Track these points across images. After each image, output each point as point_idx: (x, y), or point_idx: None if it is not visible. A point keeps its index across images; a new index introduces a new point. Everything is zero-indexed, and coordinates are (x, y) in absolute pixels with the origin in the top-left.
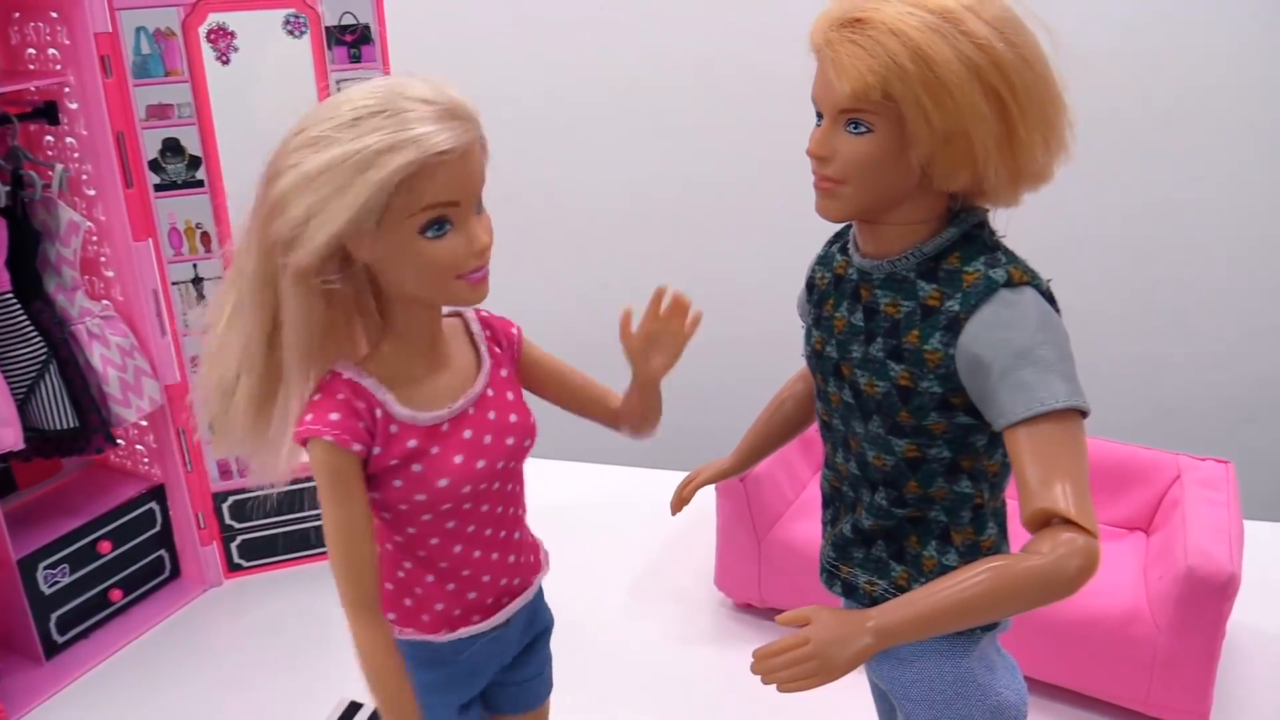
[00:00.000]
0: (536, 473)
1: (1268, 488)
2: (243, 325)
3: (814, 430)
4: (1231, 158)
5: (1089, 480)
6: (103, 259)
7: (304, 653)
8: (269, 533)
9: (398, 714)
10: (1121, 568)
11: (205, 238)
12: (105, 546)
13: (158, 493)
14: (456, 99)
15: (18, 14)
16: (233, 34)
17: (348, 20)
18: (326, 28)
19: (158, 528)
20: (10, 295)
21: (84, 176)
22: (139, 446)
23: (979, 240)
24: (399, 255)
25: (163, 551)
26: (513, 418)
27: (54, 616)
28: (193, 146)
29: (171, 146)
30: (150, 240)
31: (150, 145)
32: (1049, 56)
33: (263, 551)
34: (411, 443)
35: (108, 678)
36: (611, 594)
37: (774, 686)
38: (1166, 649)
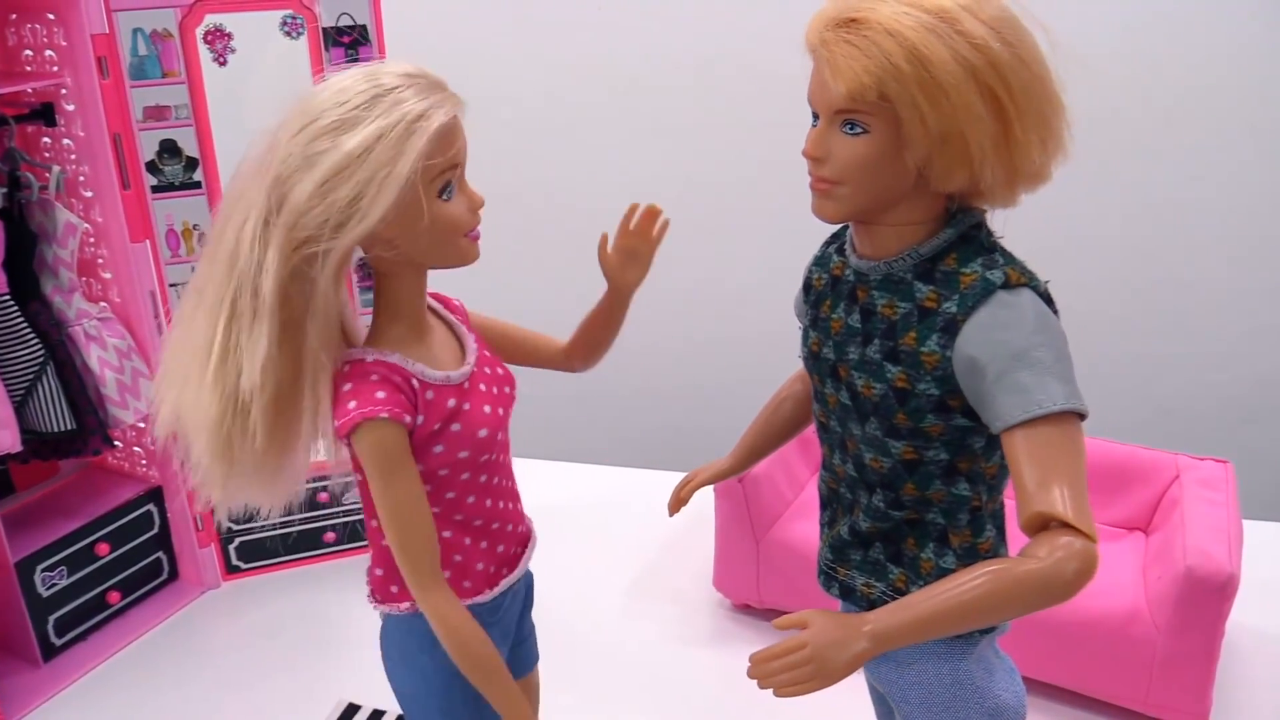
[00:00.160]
0: (535, 473)
1: (1267, 488)
2: (258, 337)
3: (812, 431)
4: (1231, 158)
5: (1087, 483)
6: (100, 261)
7: (302, 654)
8: (267, 534)
9: (488, 673)
10: (1121, 568)
11: (203, 239)
12: (103, 548)
13: (155, 494)
14: (433, 73)
15: (14, 15)
16: (230, 35)
17: (345, 21)
18: (324, 29)
19: (156, 530)
20: (7, 297)
21: (81, 178)
22: (136, 448)
23: (976, 241)
24: (419, 219)
25: (161, 553)
26: (500, 370)
27: (52, 619)
28: (190, 148)
29: (169, 148)
30: (147, 242)
31: (147, 147)
32: (1047, 57)
33: (261, 553)
34: (451, 402)
35: (106, 680)
36: (610, 594)
37: (772, 692)
38: (1166, 649)
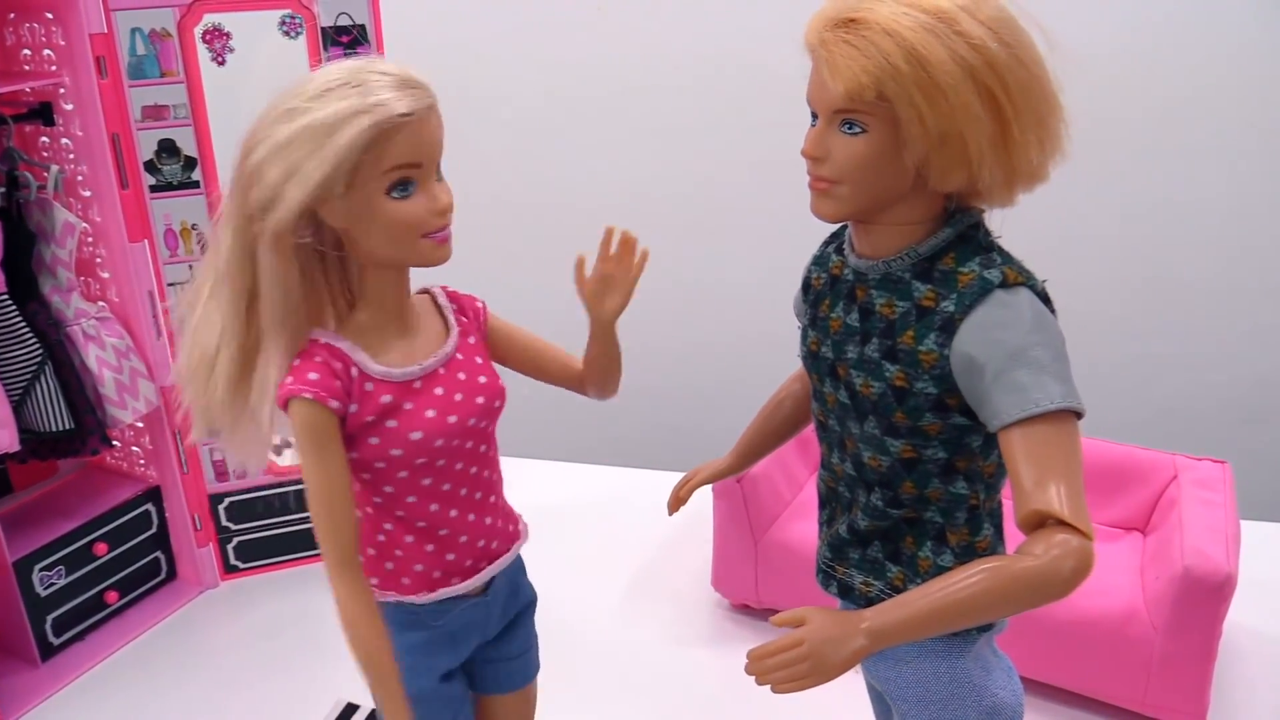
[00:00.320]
0: (534, 473)
1: (1265, 488)
2: (222, 298)
3: (811, 431)
4: (1229, 158)
5: (1083, 482)
6: (98, 260)
7: (301, 654)
8: (265, 534)
9: (375, 670)
10: (1118, 568)
11: (201, 239)
12: (101, 548)
13: (154, 494)
14: (414, 72)
15: (13, 15)
16: (228, 35)
17: (343, 21)
18: (322, 28)
19: (154, 529)
20: (6, 297)
21: (79, 178)
22: (135, 448)
23: (974, 241)
24: (369, 216)
25: (159, 553)
26: (481, 379)
27: (50, 618)
28: (188, 147)
29: (167, 147)
30: (146, 241)
31: (146, 146)
32: (1045, 57)
33: (259, 553)
34: (386, 398)
35: (104, 680)
36: (608, 594)
37: (768, 687)
38: (1163, 649)
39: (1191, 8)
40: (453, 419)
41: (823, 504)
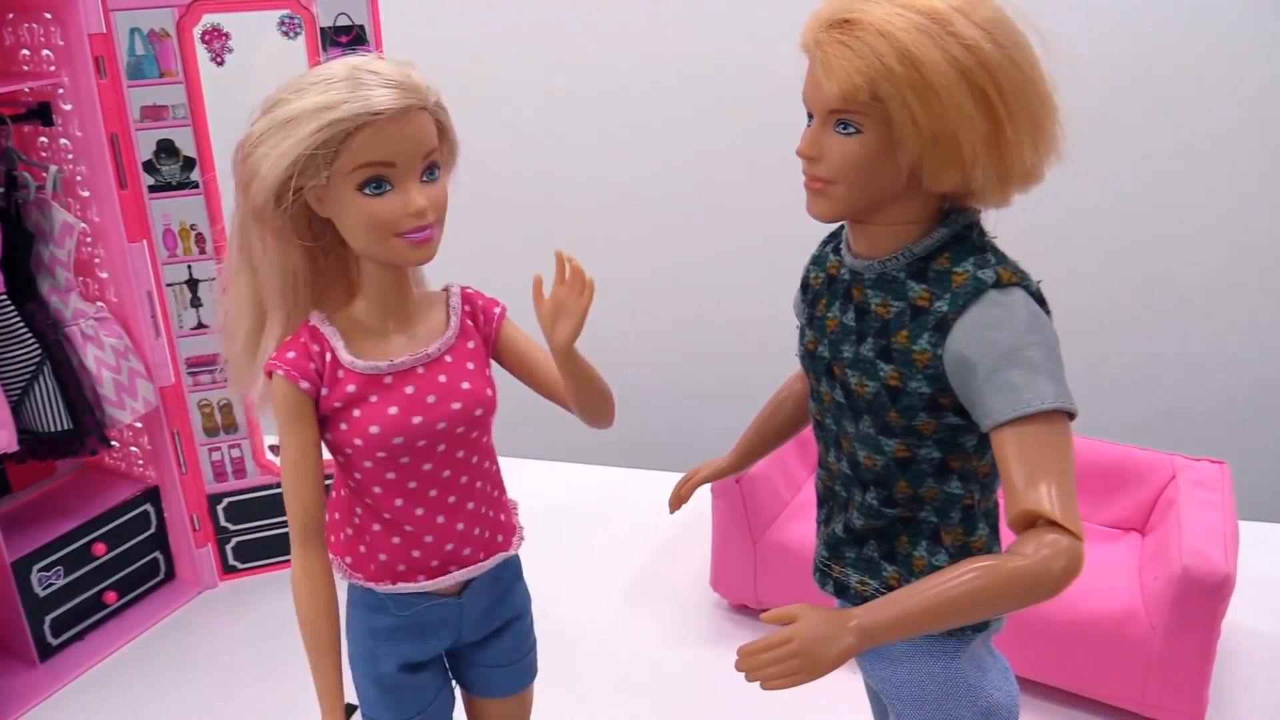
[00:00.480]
0: (534, 473)
1: (1263, 488)
2: (241, 279)
3: (810, 431)
4: (1227, 158)
5: (1075, 482)
6: (97, 260)
7: (299, 655)
8: (264, 534)
9: (308, 641)
10: (1117, 568)
11: (200, 239)
12: (100, 549)
13: (152, 494)
14: (410, 74)
15: (11, 15)
16: (227, 35)
17: (343, 21)
18: (321, 29)
19: (152, 530)
20: (4, 297)
21: (78, 178)
22: (133, 448)
23: (969, 241)
24: (345, 210)
25: (157, 554)
26: (464, 385)
27: (48, 619)
28: (187, 148)
29: (166, 148)
30: (145, 242)
31: (145, 146)
32: (1040, 58)
33: (258, 553)
34: (350, 388)
35: (102, 680)
36: (607, 595)
37: (759, 685)
38: (1161, 649)
39: (1191, 8)
40: (417, 419)
41: (820, 503)
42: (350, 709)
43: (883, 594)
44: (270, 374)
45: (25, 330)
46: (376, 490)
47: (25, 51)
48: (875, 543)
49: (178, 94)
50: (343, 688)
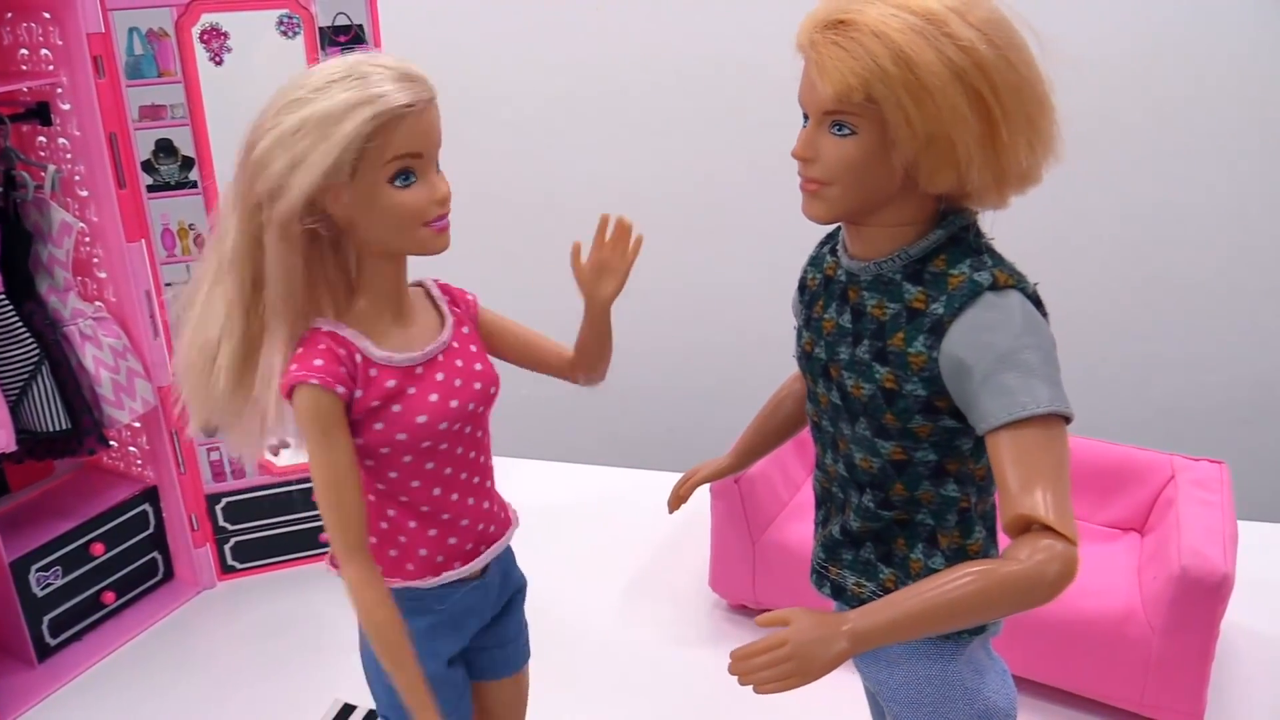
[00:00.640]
0: (533, 473)
1: (1262, 489)
2: (225, 289)
3: (810, 431)
4: (1226, 159)
5: (1070, 487)
6: (95, 260)
7: (298, 655)
8: (263, 534)
9: (394, 652)
10: (1116, 568)
11: (199, 239)
12: (98, 549)
13: (151, 494)
14: (413, 66)
15: (10, 14)
16: (226, 34)
17: (341, 21)
18: (320, 28)
19: (151, 530)
20: (2, 297)
21: (76, 177)
22: (132, 448)
23: (965, 243)
24: (372, 204)
25: (156, 554)
26: (477, 366)
27: (46, 619)
28: (186, 147)
29: (164, 147)
30: (143, 241)
31: (143, 146)
32: (1037, 59)
33: (256, 553)
34: (390, 383)
35: (101, 680)
36: (606, 595)
37: (752, 689)
38: (1160, 649)
39: (1191, 8)
40: (454, 404)
41: (818, 504)
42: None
43: (880, 596)
44: (294, 388)
45: (23, 330)
46: (414, 484)
47: (24, 51)
48: (872, 545)
49: (176, 93)
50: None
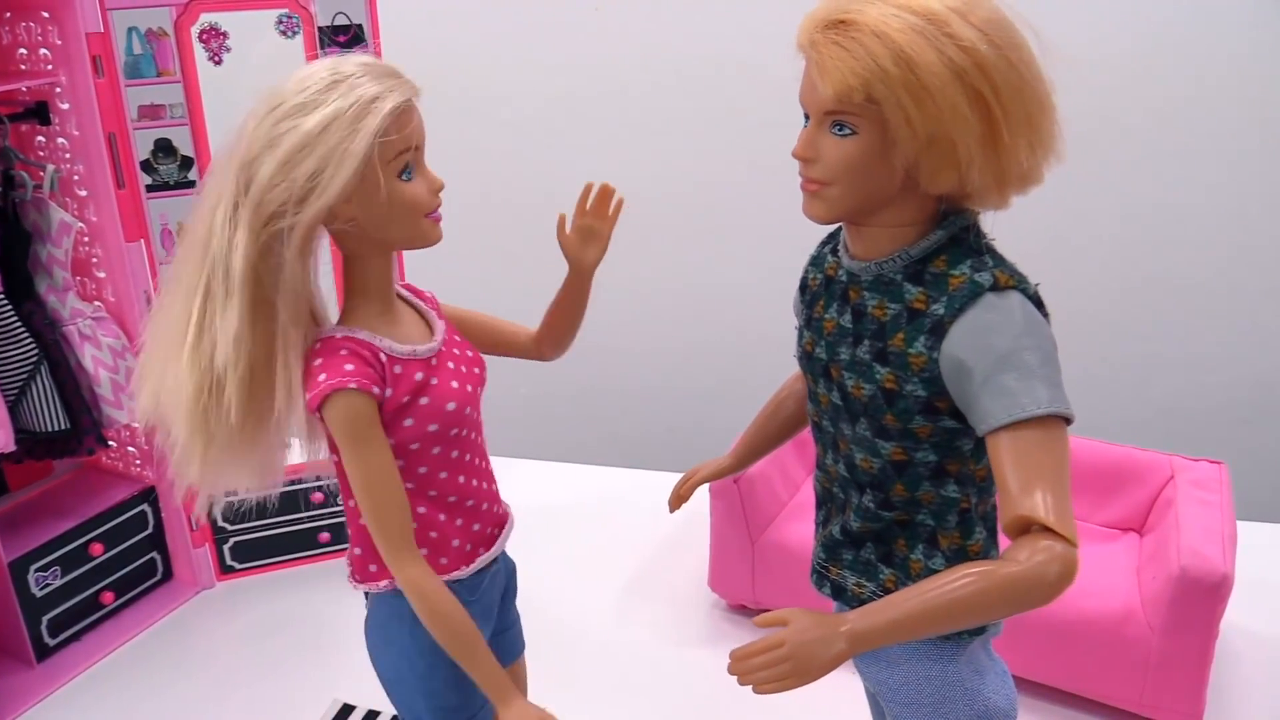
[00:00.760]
0: (532, 473)
1: (1261, 489)
2: (231, 315)
3: (810, 431)
4: (1225, 160)
5: (1070, 488)
6: (94, 260)
7: (297, 655)
8: (261, 534)
9: (465, 639)
10: (1115, 568)
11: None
12: (97, 549)
13: (150, 495)
14: (386, 63)
15: (9, 14)
16: (225, 34)
17: (340, 20)
18: (319, 28)
19: (150, 530)
20: (1, 297)
21: (75, 177)
22: (130, 448)
23: (966, 243)
24: (380, 200)
25: (155, 554)
26: (469, 352)
27: (45, 619)
28: (185, 147)
29: (163, 147)
30: (142, 241)
31: (142, 146)
32: (1038, 60)
33: (255, 553)
34: (419, 375)
35: (99, 681)
36: (605, 595)
37: (751, 689)
38: (1160, 650)
39: (1191, 8)
40: (470, 388)
41: (819, 505)
42: None
43: (880, 596)
44: (326, 398)
45: (22, 330)
46: (443, 475)
47: (22, 50)
48: (872, 545)
49: (175, 93)
50: None
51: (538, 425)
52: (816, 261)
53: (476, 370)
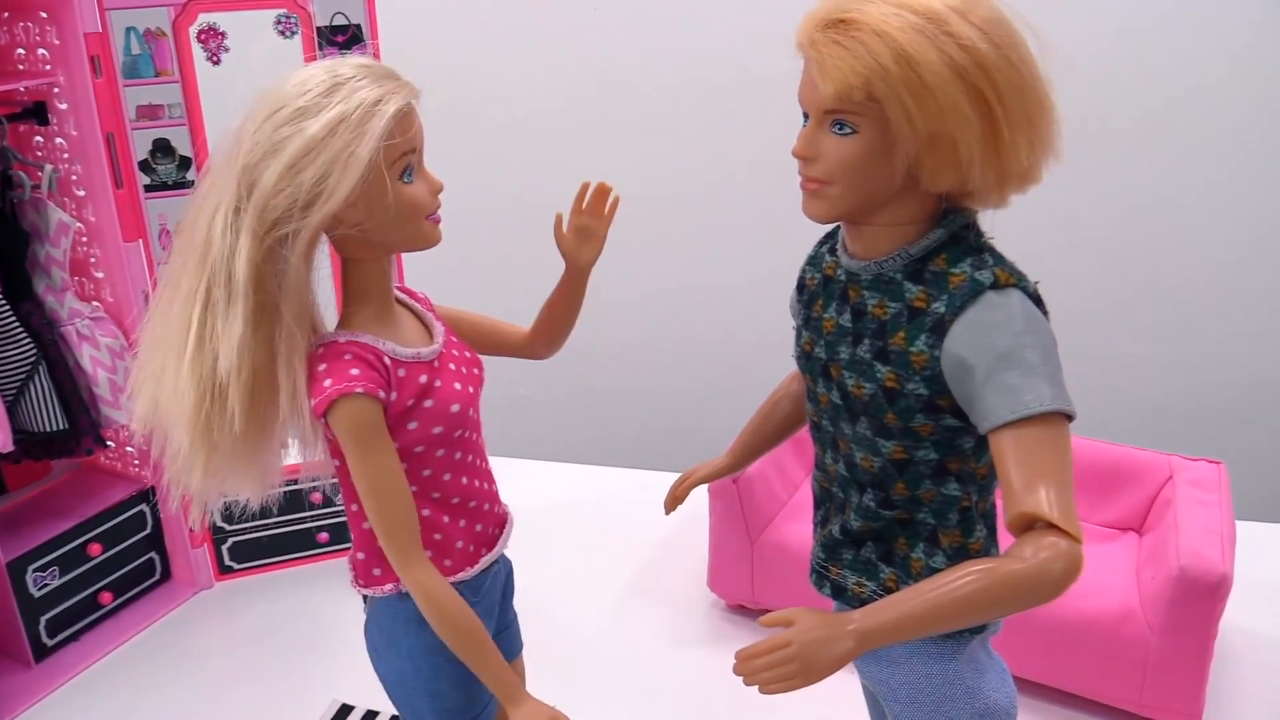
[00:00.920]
0: (531, 473)
1: (1260, 489)
2: (234, 320)
3: (807, 431)
4: (1224, 160)
5: (1073, 484)
6: (92, 260)
7: (295, 655)
8: (260, 535)
9: (479, 644)
10: (1114, 568)
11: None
12: (95, 549)
13: (148, 495)
14: (385, 65)
15: (6, 14)
16: (223, 34)
17: (339, 20)
18: (318, 28)
19: (148, 530)
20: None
21: (74, 177)
22: (129, 449)
23: (966, 242)
24: (384, 202)
25: (153, 554)
26: (468, 353)
27: (43, 619)
28: (183, 147)
29: (162, 147)
30: (140, 241)
31: (140, 146)
32: (1038, 59)
33: (254, 554)
34: (423, 378)
35: (98, 681)
36: (604, 594)
37: (757, 689)
38: (1159, 650)
39: (1191, 8)
40: (471, 389)
41: (817, 504)
42: None
43: (880, 595)
44: (333, 403)
45: (20, 330)
46: (446, 477)
47: (21, 50)
48: (873, 544)
49: (174, 93)
50: None
51: (537, 425)
52: (814, 261)
53: (476, 371)
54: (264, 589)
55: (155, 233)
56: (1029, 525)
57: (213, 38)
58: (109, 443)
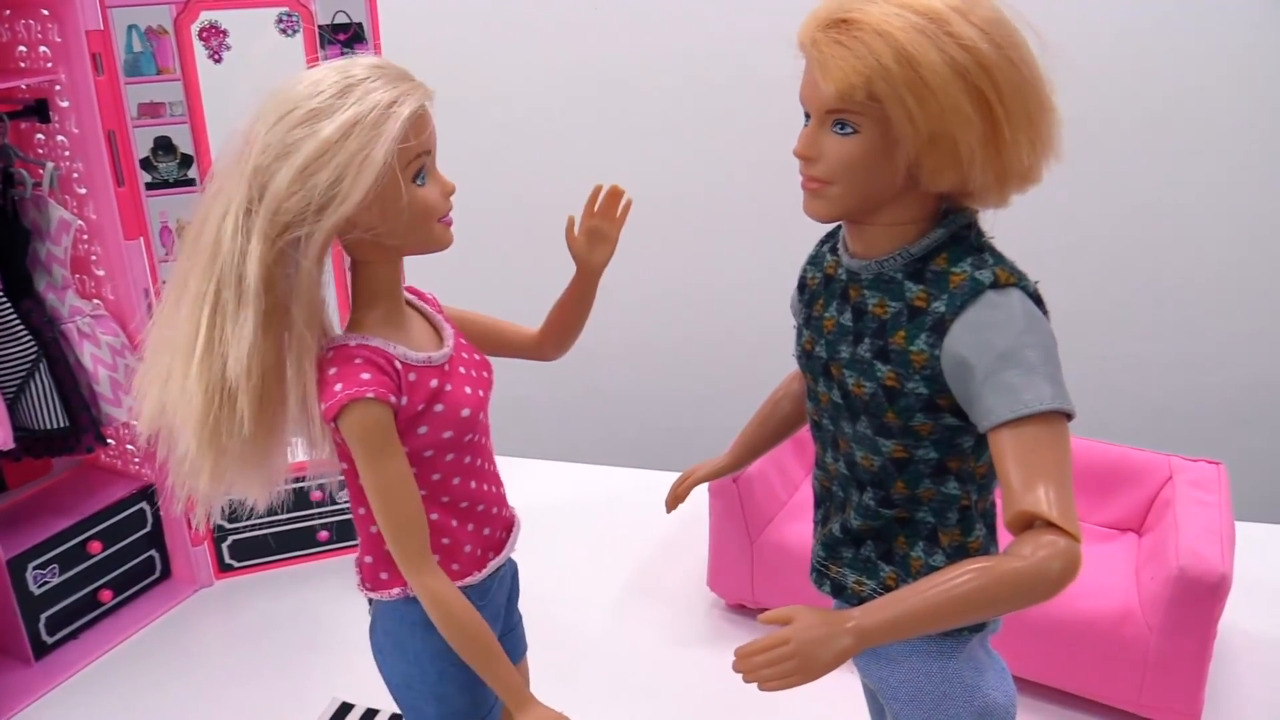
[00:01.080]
0: (531, 472)
1: (1259, 489)
2: (244, 323)
3: (807, 431)
4: (1224, 160)
5: (1073, 483)
6: (94, 258)
7: (295, 654)
8: (260, 533)
9: (489, 651)
10: (1113, 569)
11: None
12: (95, 547)
13: (148, 493)
14: (398, 65)
15: (8, 11)
16: (225, 32)
17: (341, 19)
18: (319, 26)
19: (148, 528)
20: (1, 294)
21: (75, 175)
22: (129, 446)
23: (967, 241)
24: (398, 205)
25: (153, 552)
26: (477, 356)
27: (43, 617)
28: (184, 145)
29: (163, 145)
30: (141, 239)
31: (142, 144)
32: (1038, 59)
33: (254, 552)
34: (434, 382)
35: (97, 679)
36: (604, 594)
37: (756, 686)
38: (1158, 650)
39: (1191, 8)
40: (481, 393)
41: (817, 503)
42: None
43: (880, 594)
44: (343, 408)
45: (21, 328)
46: (455, 481)
47: (22, 48)
48: (872, 543)
49: (175, 91)
50: None
51: (537, 425)
52: (815, 260)
53: (485, 374)
54: (264, 587)
55: (156, 230)
56: (1028, 524)
57: (214, 35)
58: (109, 440)
